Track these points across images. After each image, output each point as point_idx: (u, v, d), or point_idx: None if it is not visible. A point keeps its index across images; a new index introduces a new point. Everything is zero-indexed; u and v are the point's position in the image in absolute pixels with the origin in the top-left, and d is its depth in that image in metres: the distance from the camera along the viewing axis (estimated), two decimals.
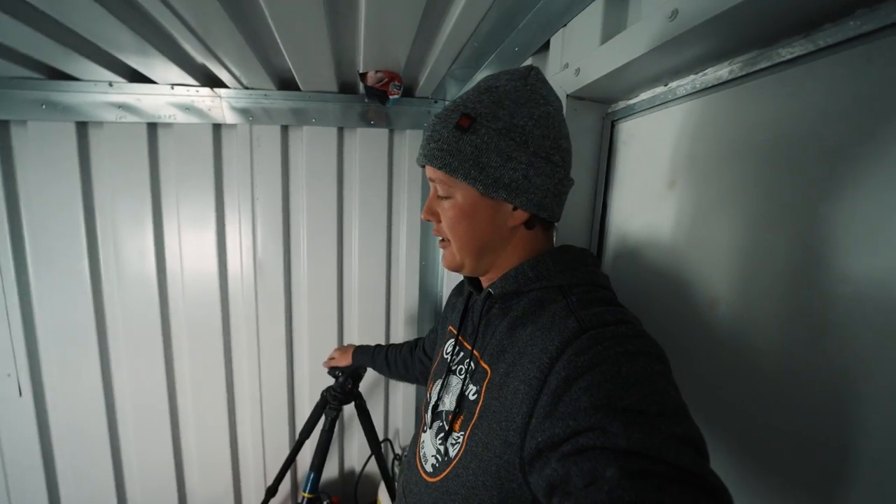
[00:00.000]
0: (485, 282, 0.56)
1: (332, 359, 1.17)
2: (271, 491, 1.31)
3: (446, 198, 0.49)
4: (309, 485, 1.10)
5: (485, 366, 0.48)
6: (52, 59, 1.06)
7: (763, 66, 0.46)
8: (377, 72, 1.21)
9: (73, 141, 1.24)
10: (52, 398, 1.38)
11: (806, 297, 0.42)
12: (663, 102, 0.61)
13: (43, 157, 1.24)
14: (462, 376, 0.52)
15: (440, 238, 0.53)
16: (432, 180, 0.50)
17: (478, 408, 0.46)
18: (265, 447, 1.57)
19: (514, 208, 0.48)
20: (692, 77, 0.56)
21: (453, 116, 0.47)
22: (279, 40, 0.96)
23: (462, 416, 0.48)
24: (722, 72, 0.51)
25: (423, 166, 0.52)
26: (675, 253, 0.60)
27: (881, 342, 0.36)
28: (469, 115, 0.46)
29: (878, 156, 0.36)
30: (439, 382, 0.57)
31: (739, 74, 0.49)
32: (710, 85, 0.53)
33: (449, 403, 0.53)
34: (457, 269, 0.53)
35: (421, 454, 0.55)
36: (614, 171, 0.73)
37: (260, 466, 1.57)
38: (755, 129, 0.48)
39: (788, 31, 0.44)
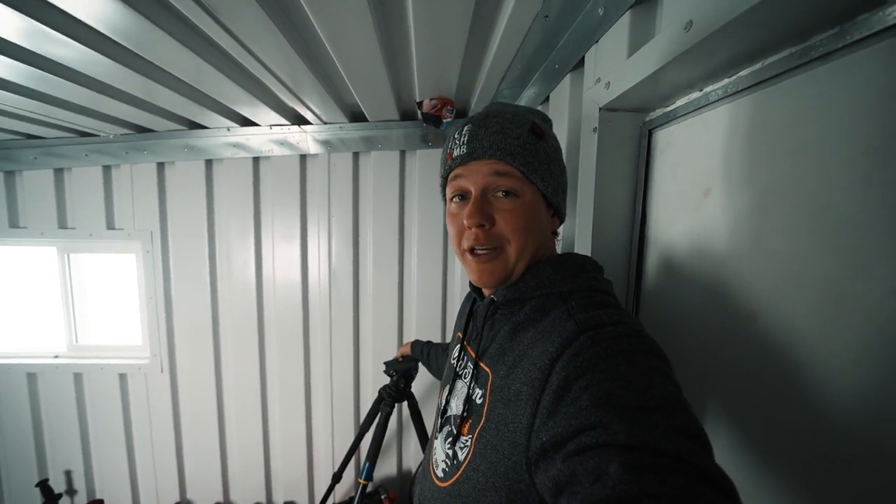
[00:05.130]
0: (487, 290, 0.56)
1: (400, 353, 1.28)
2: (336, 477, 1.46)
3: (511, 196, 0.46)
4: (364, 472, 1.21)
5: (486, 369, 0.49)
6: (192, 114, 1.40)
7: (794, 64, 0.44)
8: (431, 99, 1.33)
9: (202, 174, 1.61)
10: (181, 376, 1.75)
11: (850, 310, 0.38)
12: (697, 108, 0.59)
13: (184, 188, 1.62)
14: (467, 380, 0.53)
15: (484, 249, 0.48)
16: (501, 175, 0.46)
17: (485, 410, 0.46)
18: (334, 437, 1.75)
19: (553, 215, 0.52)
20: (725, 81, 0.54)
21: (524, 122, 0.48)
22: (348, 82, 1.14)
23: (470, 420, 0.49)
24: (752, 73, 0.49)
25: (465, 163, 0.48)
26: (712, 264, 0.56)
27: None
28: (538, 125, 0.49)
29: None
30: (447, 388, 0.58)
31: (769, 76, 0.46)
32: (741, 88, 0.51)
33: (456, 408, 0.53)
34: (503, 281, 0.49)
35: (433, 460, 0.56)
36: (652, 180, 0.71)
37: (329, 454, 1.76)
38: (788, 131, 0.45)
39: (819, 26, 0.41)
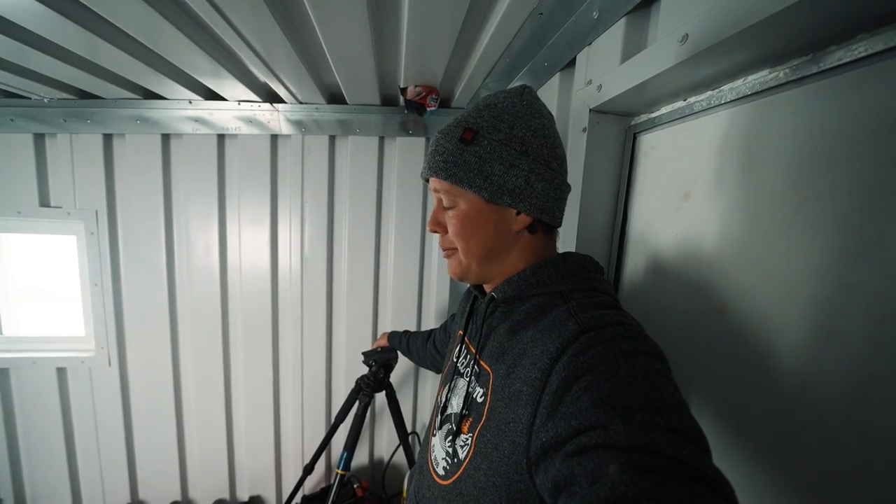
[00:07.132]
0: (488, 287, 0.57)
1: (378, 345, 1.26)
2: (308, 469, 1.43)
3: (451, 207, 0.51)
4: (342, 463, 1.21)
5: (486, 367, 0.50)
6: (147, 81, 1.26)
7: (772, 84, 0.49)
8: (416, 86, 1.31)
9: (159, 150, 1.46)
10: (132, 369, 1.62)
11: (806, 304, 0.44)
12: (681, 117, 0.64)
13: (136, 164, 1.47)
14: (468, 379, 0.53)
15: (445, 249, 0.55)
16: (437, 191, 0.52)
17: (486, 409, 0.47)
18: (304, 429, 1.71)
19: (518, 213, 0.50)
20: (709, 93, 0.59)
21: (456, 131, 0.50)
22: (330, 61, 1.09)
23: (470, 419, 0.49)
24: (733, 89, 0.54)
25: (427, 179, 0.55)
26: (688, 261, 0.62)
27: (872, 349, 0.38)
28: (471, 129, 0.49)
29: (870, 171, 0.38)
30: (448, 386, 0.58)
31: (749, 92, 0.51)
32: (723, 101, 0.56)
33: (456, 406, 0.53)
34: (463, 277, 0.54)
35: (432, 458, 0.56)
36: (635, 181, 0.76)
37: (299, 447, 1.72)
38: (762, 144, 0.50)
39: (796, 52, 0.46)
